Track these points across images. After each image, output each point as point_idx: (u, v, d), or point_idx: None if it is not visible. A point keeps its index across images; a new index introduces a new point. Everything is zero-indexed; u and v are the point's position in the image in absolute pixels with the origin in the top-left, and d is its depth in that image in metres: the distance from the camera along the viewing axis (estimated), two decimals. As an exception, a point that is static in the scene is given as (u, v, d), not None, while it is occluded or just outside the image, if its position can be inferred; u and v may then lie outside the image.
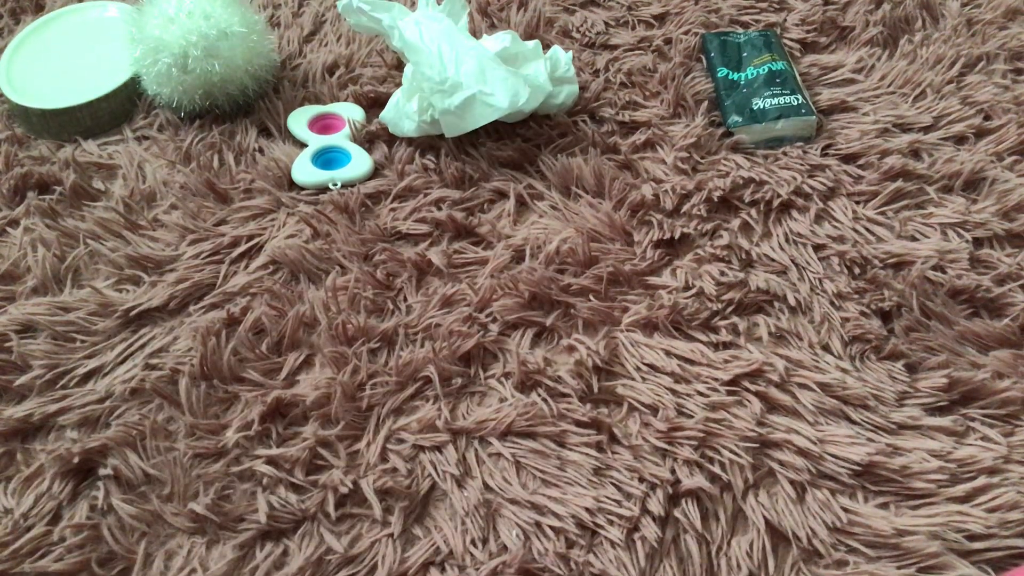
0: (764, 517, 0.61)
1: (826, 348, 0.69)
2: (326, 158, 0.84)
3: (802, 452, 0.63)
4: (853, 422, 0.65)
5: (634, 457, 0.63)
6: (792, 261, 0.74)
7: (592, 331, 0.71)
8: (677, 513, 0.61)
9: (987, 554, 0.59)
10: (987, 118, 0.85)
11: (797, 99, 0.83)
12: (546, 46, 0.85)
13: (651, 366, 0.68)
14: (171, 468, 0.63)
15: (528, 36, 0.93)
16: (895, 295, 0.71)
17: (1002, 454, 0.63)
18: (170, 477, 0.63)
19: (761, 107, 0.83)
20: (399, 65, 0.91)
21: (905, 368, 0.68)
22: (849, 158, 0.82)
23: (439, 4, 0.82)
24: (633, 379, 0.68)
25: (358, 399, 0.67)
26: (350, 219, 0.78)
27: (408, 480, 0.63)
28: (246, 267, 0.76)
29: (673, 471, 0.62)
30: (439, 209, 0.79)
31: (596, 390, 0.67)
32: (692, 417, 0.65)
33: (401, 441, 0.65)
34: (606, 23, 0.96)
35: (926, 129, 0.84)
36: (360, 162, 0.83)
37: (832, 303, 0.72)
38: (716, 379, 0.67)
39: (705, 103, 0.87)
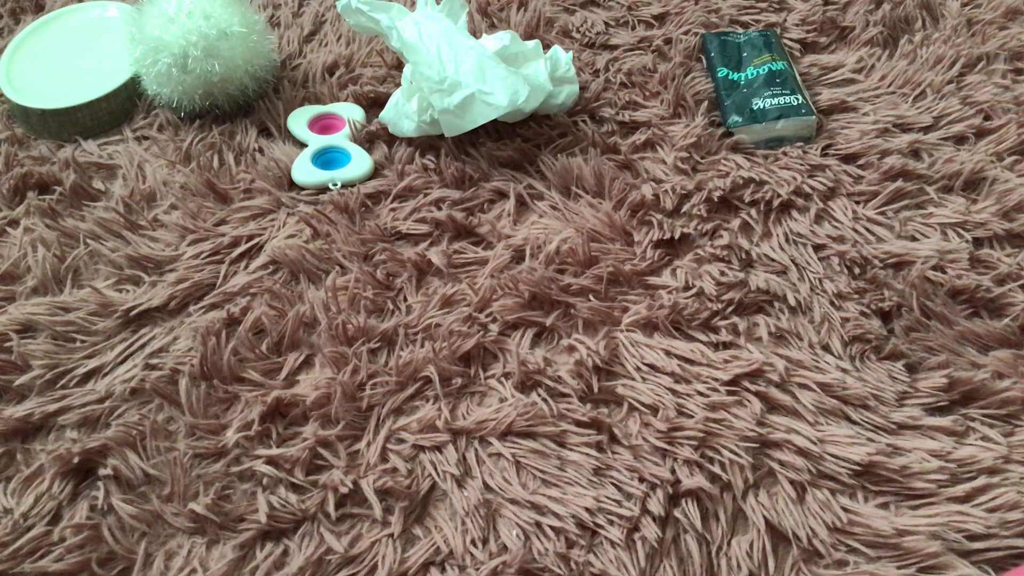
0: (764, 517, 0.61)
1: (826, 348, 0.69)
2: (326, 158, 0.84)
3: (802, 452, 0.63)
4: (853, 422, 0.65)
5: (634, 457, 0.63)
6: (792, 261, 0.74)
7: (592, 331, 0.71)
8: (677, 513, 0.61)
9: (987, 554, 0.59)
10: (987, 118, 0.85)
11: (797, 99, 0.83)
12: (546, 46, 0.85)
13: (651, 366, 0.68)
14: (171, 468, 0.63)
15: (528, 36, 0.93)
16: (895, 295, 0.71)
17: (1002, 454, 0.63)
18: (170, 477, 0.63)
19: (761, 107, 0.83)
20: (399, 65, 0.91)
21: (905, 368, 0.68)
22: (849, 158, 0.82)
23: (438, 4, 0.82)
24: (633, 379, 0.68)
25: (358, 399, 0.67)
26: (350, 219, 0.78)
27: (408, 480, 0.63)
28: (246, 267, 0.76)
29: (673, 471, 0.62)
30: (439, 209, 0.79)
31: (596, 390, 0.67)
32: (692, 417, 0.65)
33: (401, 441, 0.65)
34: (606, 23, 0.96)
35: (926, 129, 0.84)
36: (360, 162, 0.83)
37: (832, 303, 0.72)
38: (716, 379, 0.67)
39: (705, 103, 0.87)
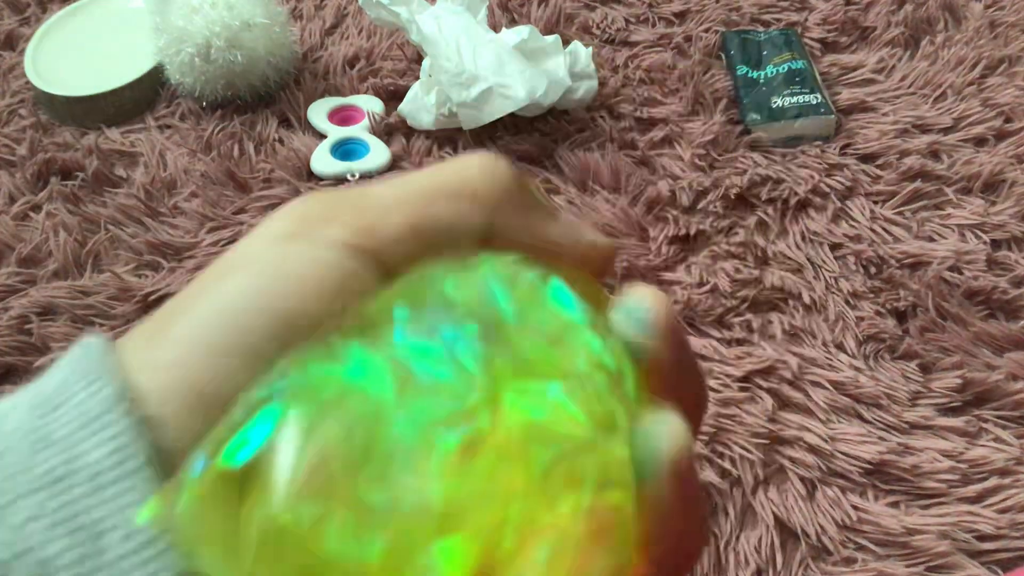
0: (773, 513, 0.61)
1: (840, 347, 0.69)
2: (345, 149, 0.84)
3: (813, 449, 0.63)
4: (865, 421, 0.65)
5: (644, 450, 0.63)
6: (808, 259, 0.74)
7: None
8: (686, 507, 0.61)
9: (997, 555, 0.59)
10: (1008, 120, 0.84)
11: (816, 98, 0.83)
12: (566, 42, 0.85)
13: (663, 361, 0.68)
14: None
15: (548, 31, 0.93)
16: (911, 295, 0.71)
17: (1014, 456, 0.63)
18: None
19: (780, 105, 0.83)
20: (418, 58, 0.91)
21: (919, 368, 0.68)
22: (867, 158, 0.82)
23: (460, -2, 0.82)
24: (645, 373, 0.68)
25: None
26: (367, 210, 0.79)
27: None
28: (264, 255, 0.77)
29: (683, 465, 0.63)
30: (456, 201, 0.79)
31: (608, 383, 0.67)
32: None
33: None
34: (626, 20, 0.96)
35: (946, 130, 0.84)
36: (378, 154, 0.83)
37: (847, 302, 0.72)
38: (729, 375, 0.67)
39: (724, 101, 0.87)
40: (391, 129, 0.86)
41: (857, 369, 0.67)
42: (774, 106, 0.83)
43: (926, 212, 0.78)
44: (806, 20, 0.95)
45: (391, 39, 0.95)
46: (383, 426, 0.17)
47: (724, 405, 0.65)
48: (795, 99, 0.83)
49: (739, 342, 0.70)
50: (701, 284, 0.73)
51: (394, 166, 0.83)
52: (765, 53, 0.89)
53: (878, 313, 0.71)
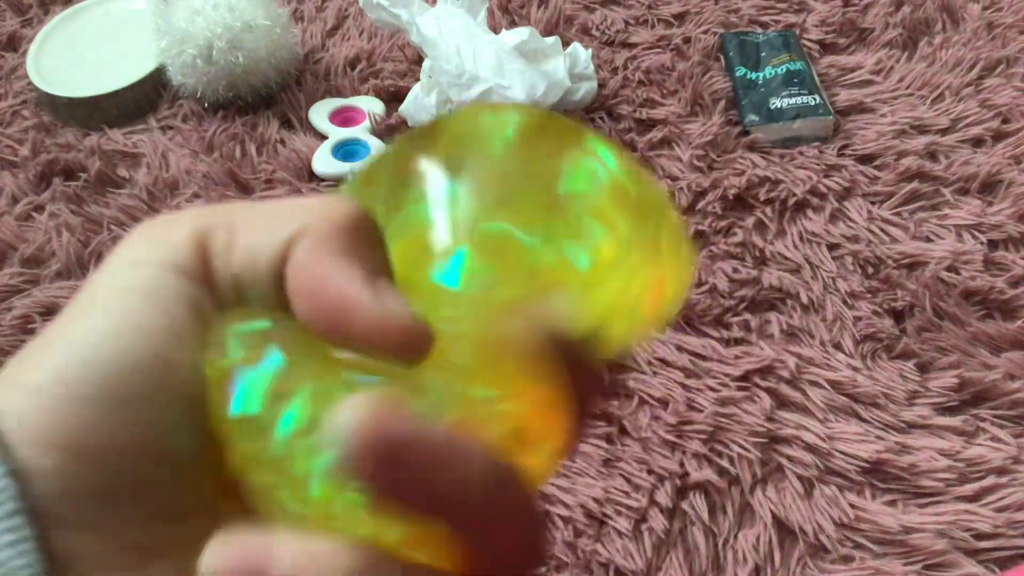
0: (771, 511, 0.61)
1: (838, 346, 0.70)
2: (346, 150, 0.85)
3: (811, 448, 0.63)
4: (863, 420, 0.65)
5: (643, 449, 0.64)
6: (806, 260, 0.75)
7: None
8: (685, 505, 0.61)
9: (994, 553, 0.59)
10: (1005, 121, 0.85)
11: (814, 99, 0.84)
12: (566, 43, 0.85)
13: (662, 360, 0.69)
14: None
15: (548, 33, 0.94)
16: (908, 295, 0.72)
17: (1012, 454, 0.63)
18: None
19: (778, 106, 0.84)
20: (419, 60, 0.92)
21: (916, 367, 0.68)
22: (865, 159, 0.82)
23: None
24: (644, 373, 0.68)
25: (372, 387, 0.68)
26: (368, 210, 0.79)
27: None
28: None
29: (682, 464, 0.63)
30: (456, 202, 0.80)
31: (607, 383, 0.67)
32: (702, 411, 0.65)
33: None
34: (626, 21, 0.96)
35: (943, 131, 0.84)
36: (379, 155, 0.84)
37: (845, 302, 0.72)
38: (727, 374, 0.67)
39: (722, 102, 0.87)
40: (392, 130, 0.87)
41: (855, 369, 0.68)
42: (772, 107, 0.84)
43: (923, 212, 0.78)
44: (804, 21, 0.95)
45: (392, 40, 0.95)
46: None
47: (722, 404, 0.66)
48: (793, 100, 0.84)
49: (737, 342, 0.70)
50: (700, 284, 0.73)
51: (395, 167, 0.84)
52: (763, 54, 0.89)
53: (875, 313, 0.71)
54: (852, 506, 0.61)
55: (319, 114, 0.88)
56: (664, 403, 0.66)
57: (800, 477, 0.62)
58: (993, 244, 0.76)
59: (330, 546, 0.18)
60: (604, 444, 0.64)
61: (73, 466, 0.18)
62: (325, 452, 0.18)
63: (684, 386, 0.67)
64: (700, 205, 0.78)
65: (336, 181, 0.83)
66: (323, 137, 0.86)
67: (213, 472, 0.20)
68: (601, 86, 0.88)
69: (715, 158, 0.83)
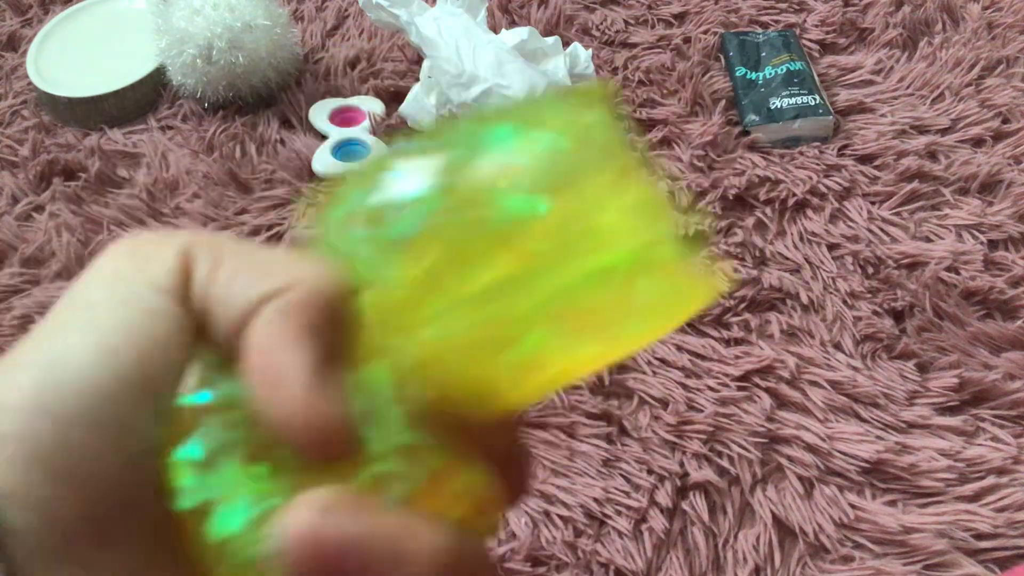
0: (771, 511, 0.61)
1: (838, 346, 0.70)
2: (346, 150, 0.85)
3: (811, 448, 0.63)
4: (863, 420, 0.65)
5: (643, 449, 0.64)
6: (806, 260, 0.75)
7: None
8: (685, 505, 0.62)
9: (994, 553, 0.59)
10: (1005, 121, 0.85)
11: (814, 99, 0.84)
12: (566, 43, 0.85)
13: (662, 360, 0.69)
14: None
15: (548, 33, 0.94)
16: (908, 295, 0.72)
17: (1011, 454, 0.63)
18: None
19: (778, 106, 0.84)
20: (419, 60, 0.92)
21: (916, 367, 0.68)
22: (865, 159, 0.82)
23: None
24: (644, 373, 0.68)
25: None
26: (368, 210, 0.79)
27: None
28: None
29: (682, 464, 0.63)
30: (456, 202, 0.80)
31: (607, 383, 0.68)
32: (702, 411, 0.65)
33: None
34: (626, 21, 0.96)
35: (943, 131, 0.84)
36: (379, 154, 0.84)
37: (845, 302, 0.72)
38: (727, 374, 0.67)
39: (723, 102, 0.87)
40: (392, 130, 0.87)
41: (855, 369, 0.68)
42: (772, 107, 0.84)
43: (923, 212, 0.78)
44: (804, 21, 0.95)
45: (392, 40, 0.95)
46: None
47: (722, 404, 0.66)
48: (793, 100, 0.84)
49: (737, 342, 0.70)
50: (700, 284, 0.73)
51: (395, 167, 0.84)
52: (764, 54, 0.89)
53: (875, 313, 0.71)
54: (852, 506, 0.61)
55: (319, 114, 0.88)
56: (664, 403, 0.66)
57: (800, 477, 0.62)
58: (993, 244, 0.76)
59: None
60: (604, 444, 0.64)
61: (58, 490, 0.18)
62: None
63: (684, 386, 0.67)
64: (700, 205, 0.78)
65: (335, 179, 0.83)
66: (323, 137, 0.86)
67: None
68: (601, 86, 0.88)
69: (715, 158, 0.83)
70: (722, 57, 0.92)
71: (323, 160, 0.83)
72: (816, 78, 0.87)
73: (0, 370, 0.19)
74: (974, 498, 0.61)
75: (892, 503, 0.62)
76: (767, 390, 0.67)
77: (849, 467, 0.63)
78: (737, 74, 0.88)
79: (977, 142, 0.83)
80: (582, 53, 0.85)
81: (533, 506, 0.61)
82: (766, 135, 0.83)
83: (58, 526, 0.18)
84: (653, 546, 0.60)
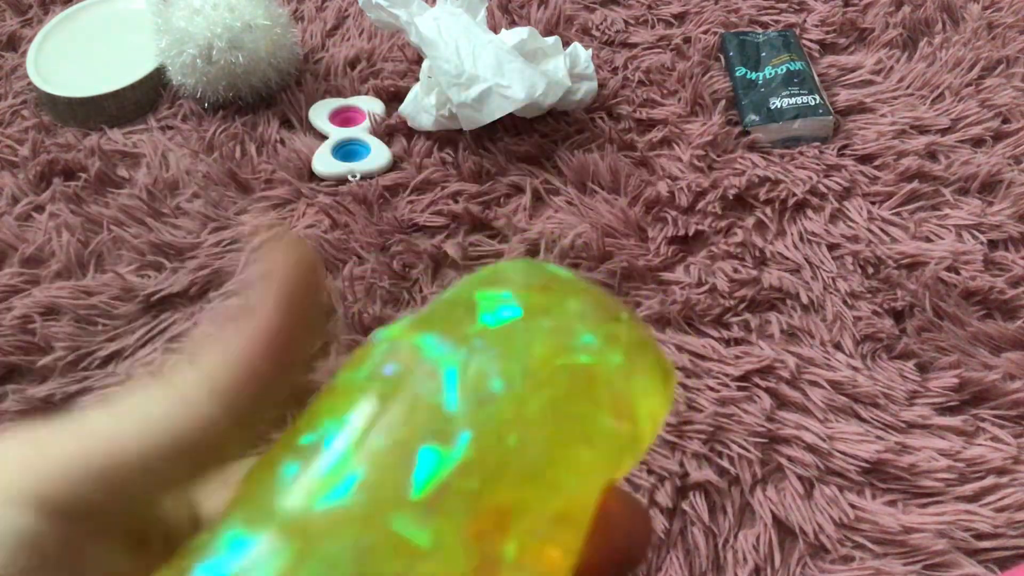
0: (771, 511, 0.61)
1: (838, 346, 0.70)
2: (346, 150, 0.85)
3: (811, 448, 0.63)
4: (863, 420, 0.65)
5: (643, 449, 0.64)
6: (806, 260, 0.75)
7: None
8: (685, 505, 0.61)
9: (994, 553, 0.59)
10: (1005, 121, 0.85)
11: (814, 99, 0.84)
12: (566, 43, 0.85)
13: (662, 360, 0.69)
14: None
15: (548, 33, 0.94)
16: (908, 295, 0.72)
17: (1012, 454, 0.63)
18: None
19: (778, 106, 0.84)
20: (419, 60, 0.92)
21: (916, 367, 0.68)
22: (865, 159, 0.82)
23: None
24: (644, 373, 0.68)
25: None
26: (368, 210, 0.80)
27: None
28: (265, 255, 0.77)
29: (682, 464, 0.63)
30: (456, 202, 0.80)
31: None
32: (702, 411, 0.65)
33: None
34: (626, 21, 0.96)
35: (943, 131, 0.84)
36: (379, 155, 0.84)
37: (845, 302, 0.72)
38: (727, 374, 0.67)
39: (723, 102, 0.87)
40: (392, 130, 0.87)
41: (855, 369, 0.68)
42: (772, 107, 0.84)
43: (923, 212, 0.78)
44: (804, 21, 0.95)
45: (392, 40, 0.95)
46: None
47: (722, 404, 0.66)
48: (793, 100, 0.84)
49: (737, 342, 0.70)
50: (700, 284, 0.73)
51: (395, 167, 0.84)
52: (764, 54, 0.89)
53: (875, 313, 0.71)
54: (852, 506, 0.61)
55: (319, 114, 0.88)
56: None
57: (800, 477, 0.62)
58: (993, 244, 0.76)
59: None
60: (604, 444, 0.64)
61: None
62: None
63: (684, 386, 0.67)
64: (700, 205, 0.78)
65: (336, 181, 0.83)
66: (323, 137, 0.86)
67: None
68: (601, 86, 0.88)
69: (715, 158, 0.83)
70: (722, 57, 0.92)
71: (323, 160, 0.83)
72: (816, 78, 0.87)
73: None
74: (974, 498, 0.61)
75: (892, 503, 0.62)
76: (767, 390, 0.67)
77: (849, 467, 0.63)
78: (737, 74, 0.88)
79: (977, 142, 0.83)
80: (582, 53, 0.85)
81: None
82: (766, 135, 0.83)
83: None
84: (653, 546, 0.60)
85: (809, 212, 0.78)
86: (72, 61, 0.93)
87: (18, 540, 0.17)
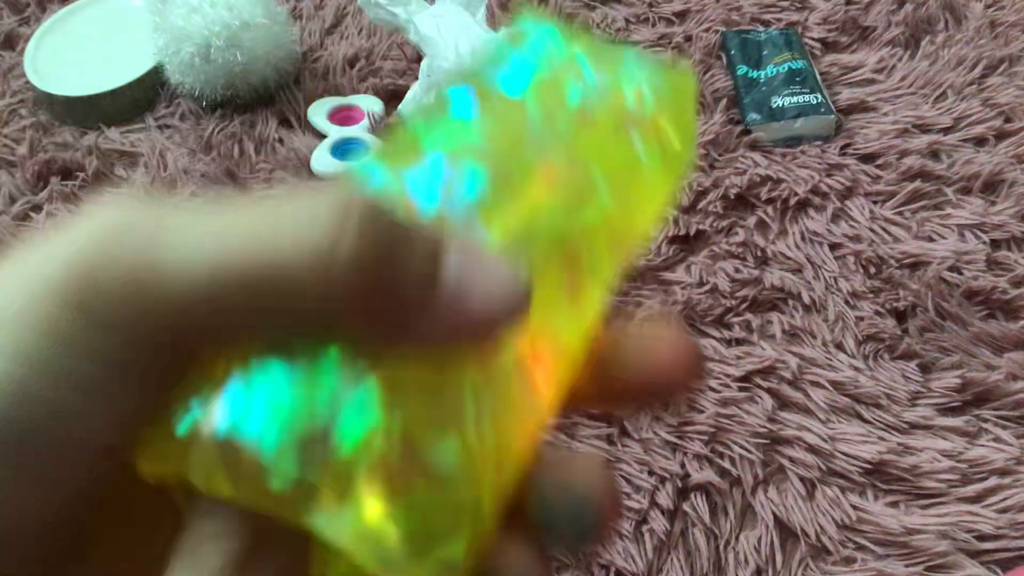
0: (773, 513, 0.61)
1: (840, 346, 0.69)
2: (345, 149, 0.84)
3: (813, 449, 0.63)
4: (865, 420, 0.65)
5: (644, 450, 0.64)
6: (807, 259, 0.74)
7: (605, 325, 0.71)
8: (686, 507, 0.61)
9: (996, 555, 0.59)
10: (1008, 120, 0.84)
11: (816, 98, 0.83)
12: (566, 41, 0.85)
13: (663, 361, 0.68)
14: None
15: (548, 31, 0.93)
16: (910, 295, 0.71)
17: (1014, 455, 0.63)
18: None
19: (780, 105, 0.83)
20: (418, 58, 0.91)
21: (918, 368, 0.68)
22: (867, 158, 0.82)
23: (459, -2, 0.82)
24: (645, 373, 0.68)
25: (371, 387, 0.67)
26: (367, 210, 0.79)
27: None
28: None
29: (683, 465, 0.63)
30: (456, 201, 0.79)
31: (608, 383, 0.67)
32: (703, 412, 0.65)
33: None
34: (626, 19, 0.96)
35: (946, 130, 0.84)
36: (378, 154, 0.83)
37: (847, 302, 0.72)
38: (728, 375, 0.67)
39: (724, 100, 0.87)
40: (392, 129, 0.86)
41: (857, 369, 0.67)
42: (774, 106, 0.83)
43: (926, 212, 0.78)
44: (806, 20, 0.95)
45: (391, 39, 0.95)
46: None
47: (724, 405, 0.65)
48: (795, 99, 0.83)
49: (739, 342, 0.70)
50: (701, 284, 0.73)
51: (394, 166, 0.83)
52: (765, 53, 0.89)
53: (877, 313, 0.71)
54: (854, 507, 0.61)
55: (318, 113, 0.87)
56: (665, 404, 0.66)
57: (802, 478, 0.62)
58: (996, 244, 0.75)
59: None
60: (604, 445, 0.64)
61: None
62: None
63: (685, 387, 0.66)
64: (701, 204, 0.78)
65: (335, 181, 0.82)
66: (322, 136, 0.86)
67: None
68: (601, 85, 0.88)
69: (716, 157, 0.82)
70: (723, 55, 0.91)
71: (322, 159, 0.83)
72: (818, 77, 0.87)
73: None
74: (976, 499, 0.61)
75: (894, 504, 0.61)
76: (769, 391, 0.66)
77: (851, 468, 0.62)
78: (738, 72, 0.87)
79: (980, 141, 0.83)
80: (582, 51, 0.84)
81: (533, 507, 0.61)
82: (768, 134, 0.83)
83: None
84: (654, 548, 0.59)
85: (811, 211, 0.78)
86: (70, 60, 0.92)
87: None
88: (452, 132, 0.21)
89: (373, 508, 0.16)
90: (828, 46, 0.93)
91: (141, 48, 0.90)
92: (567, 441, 0.64)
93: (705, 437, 0.63)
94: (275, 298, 0.15)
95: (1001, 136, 0.83)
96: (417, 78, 0.87)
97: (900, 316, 0.71)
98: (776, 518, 0.60)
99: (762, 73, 0.87)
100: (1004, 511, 0.60)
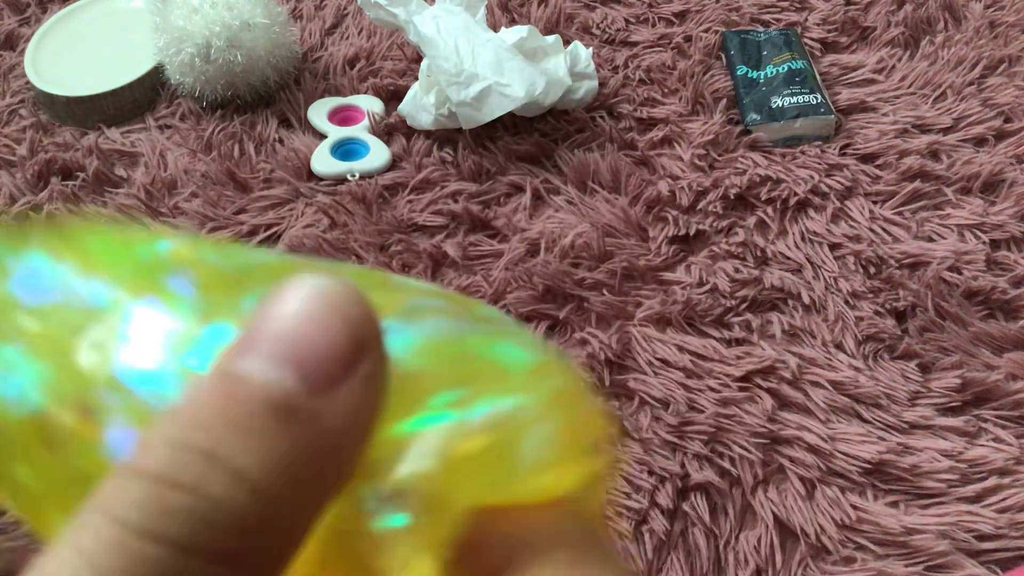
0: (773, 513, 0.61)
1: (839, 346, 0.69)
2: (345, 149, 0.84)
3: (812, 449, 0.63)
4: (865, 420, 0.65)
5: (644, 450, 0.64)
6: (807, 259, 0.74)
7: (605, 325, 0.71)
8: (686, 507, 0.61)
9: (996, 554, 0.59)
10: (1007, 120, 0.84)
11: (816, 98, 0.83)
12: (566, 42, 0.85)
13: (663, 361, 0.68)
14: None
15: (548, 31, 0.93)
16: (910, 295, 0.71)
17: (1014, 455, 0.63)
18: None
19: (780, 105, 0.83)
20: (418, 59, 0.91)
21: (918, 368, 0.68)
22: (867, 158, 0.82)
23: (460, -2, 0.82)
24: (645, 373, 0.68)
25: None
26: (367, 210, 0.79)
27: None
28: (264, 255, 0.77)
29: (683, 465, 0.63)
30: (455, 202, 0.79)
31: (608, 384, 0.67)
32: (703, 412, 0.65)
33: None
34: (626, 20, 0.96)
35: (945, 130, 0.84)
36: (378, 154, 0.83)
37: (846, 302, 0.72)
38: (728, 375, 0.67)
39: (724, 101, 0.87)
40: (391, 129, 0.86)
41: (856, 369, 0.67)
42: (774, 106, 0.83)
43: (925, 212, 0.78)
44: (806, 20, 0.95)
45: (391, 39, 0.95)
46: None
47: (724, 405, 0.65)
48: (795, 99, 0.83)
49: (738, 342, 0.70)
50: (701, 284, 0.73)
51: (394, 166, 0.83)
52: (765, 53, 0.89)
53: (877, 313, 0.71)
54: (854, 507, 0.61)
55: (318, 113, 0.87)
56: (665, 404, 0.66)
57: (802, 478, 0.62)
58: (995, 244, 0.75)
59: None
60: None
61: None
62: None
63: (685, 387, 0.67)
64: (701, 204, 0.78)
65: (335, 180, 0.82)
66: (322, 136, 0.86)
67: None
68: (602, 85, 0.88)
69: (716, 157, 0.82)
70: (723, 56, 0.91)
71: (322, 159, 0.83)
72: (818, 77, 0.87)
73: None
74: (976, 499, 0.61)
75: (894, 504, 0.61)
76: (768, 391, 0.66)
77: (851, 468, 0.62)
78: (738, 73, 0.87)
79: (979, 141, 0.83)
80: (582, 52, 0.84)
81: (533, 507, 0.61)
82: (767, 134, 0.83)
83: None
84: (654, 547, 0.59)
85: (811, 212, 0.78)
86: (70, 60, 0.92)
87: None
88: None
89: None
90: (828, 46, 0.93)
91: (141, 48, 0.90)
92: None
93: (705, 437, 0.64)
94: None
95: (1001, 136, 0.83)
96: (417, 78, 0.87)
97: (900, 316, 0.71)
98: (776, 518, 0.60)
99: (762, 73, 0.87)
100: (1004, 511, 0.60)
